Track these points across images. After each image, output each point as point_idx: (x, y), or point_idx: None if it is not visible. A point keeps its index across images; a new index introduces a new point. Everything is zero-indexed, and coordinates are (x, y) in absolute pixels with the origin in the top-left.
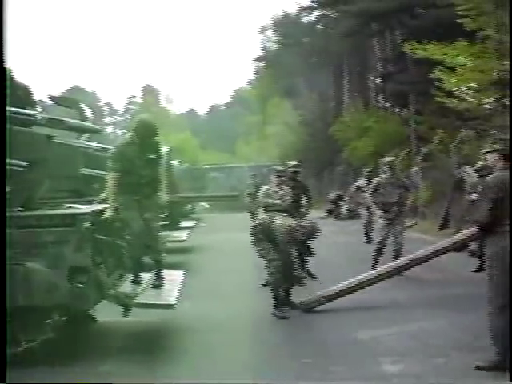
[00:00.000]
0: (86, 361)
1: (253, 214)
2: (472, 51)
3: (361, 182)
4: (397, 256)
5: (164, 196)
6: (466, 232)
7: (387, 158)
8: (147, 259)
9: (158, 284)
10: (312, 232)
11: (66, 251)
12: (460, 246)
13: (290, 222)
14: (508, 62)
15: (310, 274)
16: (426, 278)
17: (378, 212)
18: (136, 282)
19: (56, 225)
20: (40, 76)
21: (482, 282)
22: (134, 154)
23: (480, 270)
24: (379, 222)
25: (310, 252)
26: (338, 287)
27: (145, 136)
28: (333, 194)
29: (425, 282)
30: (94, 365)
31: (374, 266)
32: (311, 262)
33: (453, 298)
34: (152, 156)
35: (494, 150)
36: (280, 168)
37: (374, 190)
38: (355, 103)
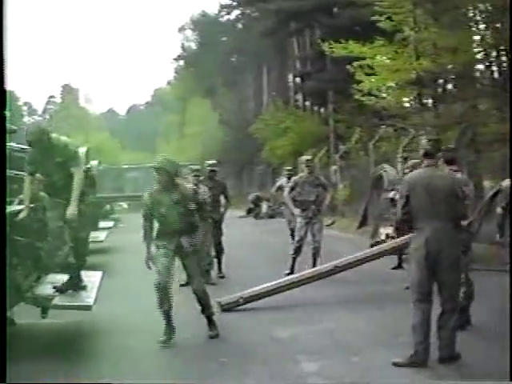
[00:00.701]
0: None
1: None
2: (389, 50)
3: (282, 181)
4: (315, 254)
5: (71, 209)
6: (399, 239)
7: (305, 157)
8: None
9: (83, 286)
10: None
11: None
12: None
13: None
14: (424, 62)
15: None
16: (344, 275)
17: (296, 211)
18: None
19: None
20: None
21: (400, 279)
22: (42, 158)
23: (398, 267)
24: (297, 220)
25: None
26: (257, 289)
27: (34, 142)
28: (252, 195)
29: (342, 279)
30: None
31: (293, 265)
32: (232, 261)
33: (371, 295)
34: (58, 160)
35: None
36: (197, 167)
37: (292, 189)
38: (275, 102)
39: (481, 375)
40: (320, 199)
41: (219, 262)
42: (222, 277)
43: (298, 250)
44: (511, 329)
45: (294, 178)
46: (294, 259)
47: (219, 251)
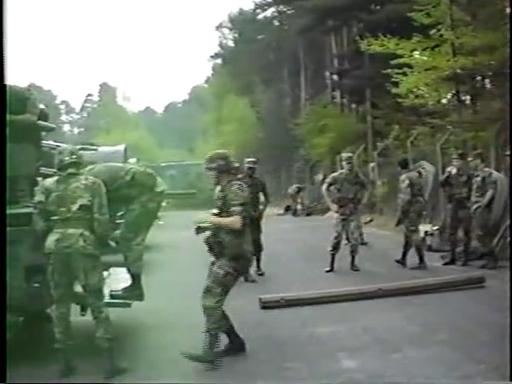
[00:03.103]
0: (46, 360)
1: None
2: (426, 46)
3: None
4: (353, 252)
5: None
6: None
7: (346, 154)
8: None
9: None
10: None
11: (20, 251)
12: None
13: None
14: (461, 59)
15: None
16: (382, 272)
17: (334, 207)
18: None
19: (11, 224)
20: None
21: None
22: None
23: (421, 263)
24: (334, 217)
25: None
26: (300, 294)
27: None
28: (293, 187)
29: (380, 276)
30: (51, 364)
31: (332, 261)
32: (271, 258)
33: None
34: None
35: None
36: (235, 165)
37: (330, 185)
38: (312, 100)
39: None
40: (358, 197)
41: (258, 260)
42: (262, 274)
43: (336, 247)
44: (511, 329)
45: (333, 175)
46: (333, 256)
47: (258, 249)
